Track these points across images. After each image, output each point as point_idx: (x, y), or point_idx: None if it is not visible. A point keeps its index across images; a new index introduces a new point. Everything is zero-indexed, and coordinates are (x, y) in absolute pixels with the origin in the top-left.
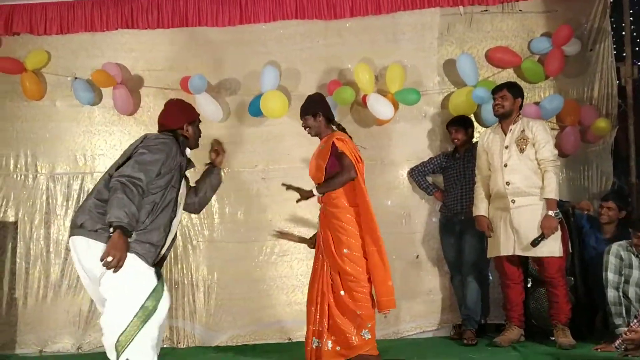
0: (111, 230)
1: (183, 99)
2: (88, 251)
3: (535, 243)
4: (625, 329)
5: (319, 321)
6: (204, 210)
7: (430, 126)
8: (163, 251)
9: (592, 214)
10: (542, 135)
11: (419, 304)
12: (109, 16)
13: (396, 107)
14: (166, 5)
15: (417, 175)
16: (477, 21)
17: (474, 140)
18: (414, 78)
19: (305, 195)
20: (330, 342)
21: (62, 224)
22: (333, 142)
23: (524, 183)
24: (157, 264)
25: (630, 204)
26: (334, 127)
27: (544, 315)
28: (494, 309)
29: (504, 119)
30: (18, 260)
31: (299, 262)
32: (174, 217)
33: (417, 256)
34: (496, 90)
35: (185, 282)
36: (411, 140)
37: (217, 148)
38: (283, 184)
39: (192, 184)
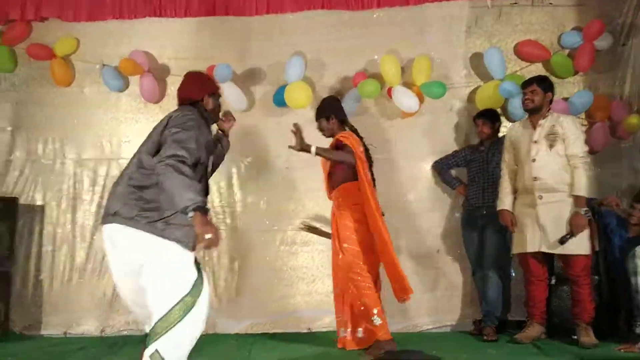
0: (190, 215)
1: None
2: (125, 239)
3: (563, 241)
4: None
5: (343, 311)
6: (225, 198)
7: (455, 120)
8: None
9: (619, 211)
10: (572, 130)
11: (439, 298)
12: (137, 4)
13: (422, 100)
14: None
15: (441, 168)
16: (506, 14)
17: (500, 134)
18: (441, 71)
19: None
20: (351, 330)
21: (88, 209)
22: (337, 138)
23: (552, 179)
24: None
25: None
26: (346, 129)
27: (567, 314)
28: (515, 305)
29: (534, 113)
30: (45, 243)
31: (320, 253)
32: (206, 195)
33: (439, 250)
34: (526, 84)
35: (207, 269)
36: (436, 134)
37: (227, 115)
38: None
39: None
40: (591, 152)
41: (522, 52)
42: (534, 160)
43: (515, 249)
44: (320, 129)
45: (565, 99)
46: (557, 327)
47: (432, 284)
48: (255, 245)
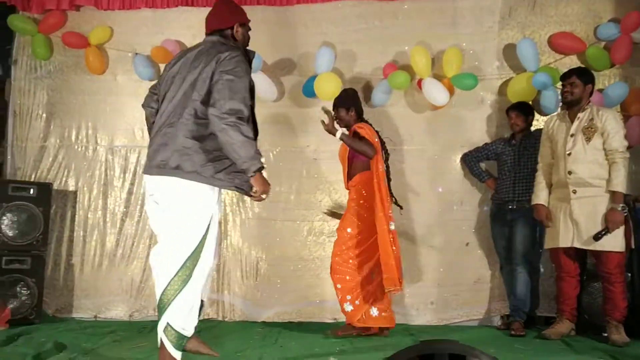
0: (251, 175)
1: None
2: (179, 191)
3: (597, 237)
4: None
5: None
6: None
7: (487, 112)
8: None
9: None
10: (612, 124)
11: (467, 291)
12: None
13: (452, 92)
14: None
15: (470, 160)
16: (541, 5)
17: (532, 129)
18: (472, 62)
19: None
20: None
21: (119, 195)
22: (354, 128)
23: (587, 173)
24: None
25: None
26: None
27: (597, 311)
28: (544, 301)
29: (572, 106)
30: (76, 228)
31: None
32: (257, 135)
33: (468, 244)
34: (565, 76)
35: (234, 257)
36: (466, 126)
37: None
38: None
39: None
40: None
41: (557, 43)
42: (569, 153)
43: (547, 244)
44: (338, 117)
45: (600, 91)
46: (587, 323)
47: (460, 277)
48: (283, 235)
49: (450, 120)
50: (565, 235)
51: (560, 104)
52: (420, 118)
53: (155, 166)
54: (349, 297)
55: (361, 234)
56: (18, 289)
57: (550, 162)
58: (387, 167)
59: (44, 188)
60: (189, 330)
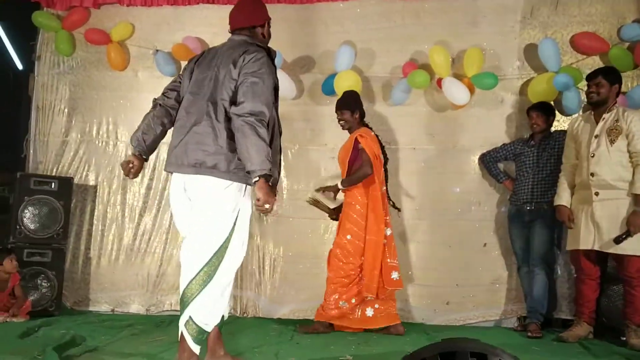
0: (254, 179)
1: None
2: (214, 189)
3: (619, 240)
4: None
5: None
6: None
7: (507, 112)
8: (276, 174)
9: None
10: (637, 126)
11: (484, 292)
12: None
13: (472, 91)
14: None
15: (489, 160)
16: (564, 4)
17: (552, 129)
18: (493, 62)
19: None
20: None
21: (138, 190)
22: (356, 138)
23: (610, 176)
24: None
25: None
26: (362, 127)
27: (616, 314)
28: (562, 303)
29: (598, 106)
30: (95, 222)
31: None
32: (280, 134)
33: (485, 244)
34: (590, 76)
35: (252, 254)
36: (486, 126)
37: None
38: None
39: None
40: None
41: (579, 44)
42: (592, 155)
43: (569, 245)
44: (342, 119)
45: (623, 93)
46: (605, 327)
47: (477, 277)
48: (300, 233)
49: (470, 120)
50: (586, 237)
51: (583, 104)
52: (440, 117)
53: (189, 165)
54: (332, 297)
55: (358, 239)
56: (39, 281)
57: (574, 163)
58: (386, 170)
59: (65, 182)
60: (210, 325)
